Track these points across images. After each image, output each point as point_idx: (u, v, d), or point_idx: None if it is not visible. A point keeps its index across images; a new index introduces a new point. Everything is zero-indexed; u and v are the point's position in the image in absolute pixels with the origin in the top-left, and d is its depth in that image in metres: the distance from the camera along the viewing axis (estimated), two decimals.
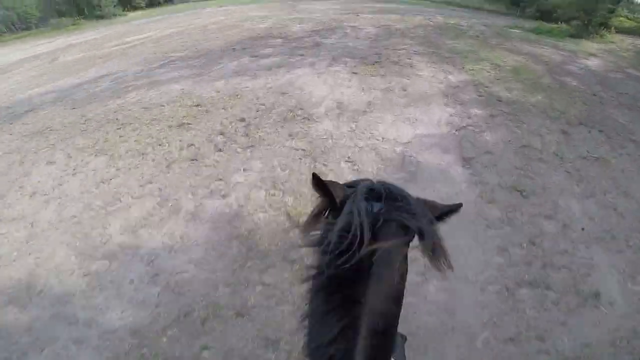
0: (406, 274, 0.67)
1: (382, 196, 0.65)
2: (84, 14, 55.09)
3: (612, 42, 14.27)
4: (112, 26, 34.20)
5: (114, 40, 17.34)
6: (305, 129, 5.40)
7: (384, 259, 0.57)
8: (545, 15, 23.65)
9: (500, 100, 6.65)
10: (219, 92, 6.85)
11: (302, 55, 9.14)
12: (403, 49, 9.81)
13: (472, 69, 8.30)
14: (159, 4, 61.55)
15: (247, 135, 5.36)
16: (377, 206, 0.63)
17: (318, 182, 0.68)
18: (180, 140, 5.35)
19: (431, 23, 15.27)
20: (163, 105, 6.71)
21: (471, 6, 29.33)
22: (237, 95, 6.54)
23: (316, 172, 0.75)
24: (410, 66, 8.10)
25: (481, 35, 12.69)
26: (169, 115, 6.22)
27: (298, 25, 14.30)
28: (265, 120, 5.71)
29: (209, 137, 5.41)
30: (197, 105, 6.45)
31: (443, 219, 0.71)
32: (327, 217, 0.72)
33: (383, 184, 0.71)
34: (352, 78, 7.10)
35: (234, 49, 10.74)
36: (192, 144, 5.20)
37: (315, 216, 0.73)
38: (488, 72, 8.27)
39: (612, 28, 15.70)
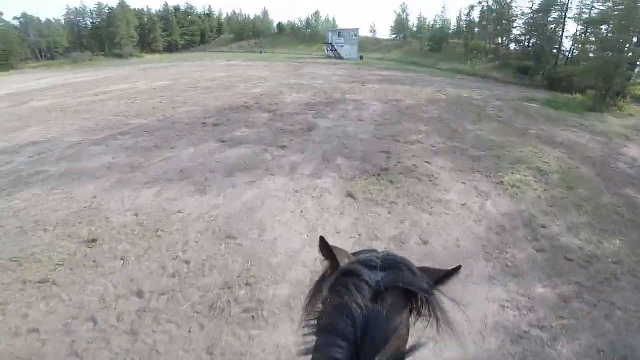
0: (407, 337, 0.66)
1: (385, 266, 0.68)
2: (105, 50, 57.17)
3: (631, 114, 13.05)
4: (118, 67, 33.79)
5: (98, 88, 15.63)
6: (251, 340, 2.76)
7: (386, 321, 0.60)
8: (555, 83, 21.42)
9: (570, 259, 4.05)
10: (136, 215, 4.33)
11: (284, 147, 6.80)
12: (418, 141, 7.53)
13: (513, 184, 5.85)
14: (176, 50, 64.22)
15: (133, 334, 2.74)
16: (379, 275, 0.65)
17: (325, 245, 0.72)
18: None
19: (443, 97, 13.43)
20: (47, 229, 4.19)
21: (478, 74, 28.57)
22: (157, 232, 3.97)
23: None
24: (431, 180, 5.65)
25: (502, 115, 10.60)
26: (41, 262, 3.65)
27: (295, 95, 12.41)
28: (171, 312, 3.07)
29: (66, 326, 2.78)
30: (91, 242, 3.92)
31: (444, 282, 0.70)
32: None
33: (387, 254, 0.73)
34: (346, 207, 4.57)
35: (204, 122, 8.55)
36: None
37: (320, 281, 0.76)
38: (534, 188, 5.80)
39: (628, 96, 14.54)
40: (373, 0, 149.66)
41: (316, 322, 0.71)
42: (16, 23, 51.01)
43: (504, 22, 31.83)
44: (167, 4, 60.30)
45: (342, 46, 35.06)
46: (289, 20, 65.59)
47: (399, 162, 6.30)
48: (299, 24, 58.85)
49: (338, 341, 0.58)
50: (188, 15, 62.75)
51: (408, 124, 9.03)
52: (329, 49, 35.77)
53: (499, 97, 14.48)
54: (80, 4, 57.44)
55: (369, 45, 47.71)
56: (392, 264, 0.68)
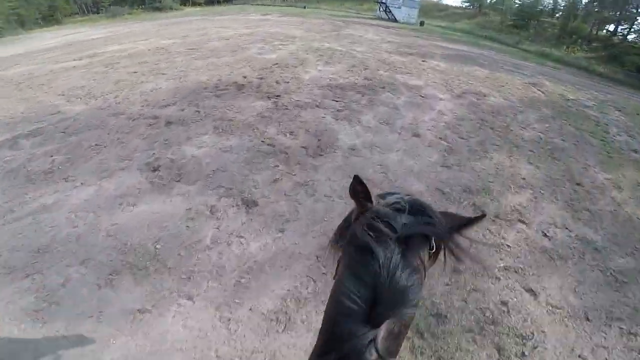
0: (423, 282, 0.67)
1: (411, 210, 0.68)
2: (144, 4, 54.47)
3: None
4: (147, 22, 30.46)
5: (97, 48, 12.60)
6: None
7: (404, 263, 0.61)
8: None
9: None
10: None
11: (247, 206, 3.22)
12: (518, 213, 3.56)
13: None
14: (218, 2, 59.65)
15: None
16: (405, 218, 0.66)
17: (359, 182, 0.71)
18: None
19: (542, 96, 8.75)
20: None
21: (575, 64, 21.99)
22: None
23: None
24: None
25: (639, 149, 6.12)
26: None
27: (321, 67, 8.42)
28: None
29: None
30: None
31: (466, 228, 0.70)
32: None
33: (412, 198, 0.73)
34: None
35: (156, 116, 5.07)
36: None
37: (349, 218, 0.79)
38: None
39: None
40: None
41: (342, 253, 0.72)
42: None
43: (629, 6, 23.81)
44: None
45: (399, 8, 28.89)
46: None
47: (480, 302, 2.49)
48: None
49: (361, 279, 0.60)
50: None
51: (499, 155, 4.94)
52: (381, 9, 29.81)
53: (617, 105, 9.47)
54: None
55: (431, 10, 40.28)
56: (417, 209, 0.69)
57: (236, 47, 10.69)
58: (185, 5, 53.28)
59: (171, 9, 50.34)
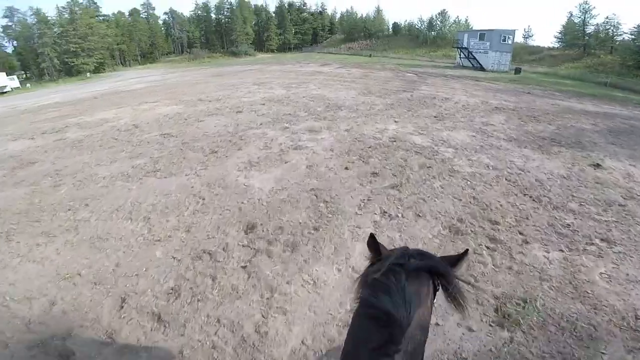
0: (431, 310, 0.85)
1: (414, 254, 0.87)
2: (225, 48, 58.38)
3: None
4: (212, 67, 30.39)
5: (95, 112, 9.78)
6: None
7: (417, 293, 0.77)
8: None
9: None
10: None
11: None
12: None
13: None
14: (289, 49, 61.14)
15: None
16: (410, 259, 0.84)
17: (373, 240, 0.95)
18: None
19: None
20: None
21: None
22: None
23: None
24: None
25: None
26: None
27: (396, 233, 3.38)
28: None
29: None
30: None
31: (457, 265, 0.92)
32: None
33: (415, 249, 0.91)
34: None
35: None
36: None
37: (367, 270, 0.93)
38: None
39: None
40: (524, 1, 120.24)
41: (361, 294, 0.88)
42: (165, 18, 54.77)
43: None
44: (281, 0, 56.90)
45: (486, 53, 23.22)
46: (406, 20, 54.34)
47: None
48: (419, 25, 47.34)
49: (377, 306, 0.75)
50: (301, 13, 58.35)
51: None
52: (462, 56, 24.47)
53: None
54: None
55: (519, 54, 33.49)
56: (421, 253, 0.88)
57: (235, 137, 6.31)
58: (260, 51, 55.82)
59: (246, 54, 52.45)
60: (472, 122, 7.35)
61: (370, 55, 36.49)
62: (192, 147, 5.88)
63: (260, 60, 39.05)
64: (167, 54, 54.32)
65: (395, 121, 7.12)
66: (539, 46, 38.41)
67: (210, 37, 55.25)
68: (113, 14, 48.90)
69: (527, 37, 41.41)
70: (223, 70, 24.28)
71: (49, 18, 37.35)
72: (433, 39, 41.76)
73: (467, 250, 0.93)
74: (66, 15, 38.04)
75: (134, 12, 49.88)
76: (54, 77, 36.09)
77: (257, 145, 5.78)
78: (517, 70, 22.11)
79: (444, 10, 43.21)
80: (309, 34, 57.89)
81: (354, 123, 6.97)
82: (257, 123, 7.14)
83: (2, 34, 39.80)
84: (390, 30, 52.06)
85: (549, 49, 37.05)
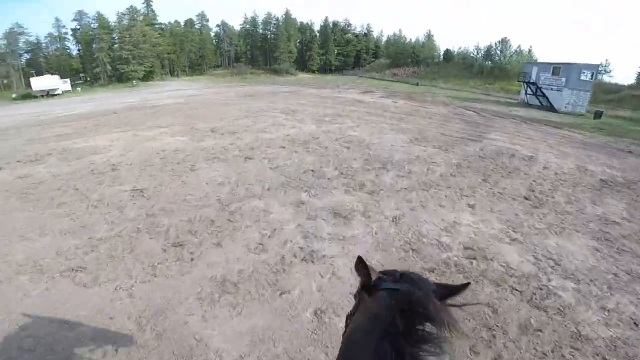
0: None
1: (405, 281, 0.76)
2: (268, 64, 58.93)
3: None
4: (250, 85, 29.63)
5: (75, 140, 8.50)
6: None
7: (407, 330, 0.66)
8: None
9: None
10: None
11: None
12: None
13: None
14: (330, 71, 60.41)
15: None
16: (402, 286, 0.73)
17: (362, 263, 0.80)
18: None
19: None
20: None
21: None
22: None
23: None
24: None
25: None
26: None
27: None
28: None
29: None
30: None
31: (452, 296, 0.77)
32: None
33: (409, 272, 0.80)
34: None
35: None
36: None
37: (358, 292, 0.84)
38: None
39: None
40: (601, 35, 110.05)
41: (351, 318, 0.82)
42: (217, 30, 56.49)
43: None
44: (327, 19, 56.43)
45: (560, 90, 19.76)
46: (460, 47, 50.93)
47: None
48: (474, 53, 44.01)
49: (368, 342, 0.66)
50: (345, 33, 57.40)
51: None
52: (529, 92, 21.18)
53: None
54: (254, 13, 57.21)
55: (595, 92, 29.20)
56: (411, 280, 0.76)
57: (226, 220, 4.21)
58: (301, 71, 55.92)
59: (287, 72, 51.78)
60: (583, 214, 4.68)
61: (417, 84, 33.99)
62: (156, 226, 3.88)
63: (299, 81, 38.23)
64: (214, 67, 55.62)
65: (470, 206, 4.63)
66: (618, 84, 33.55)
67: (254, 53, 56.00)
68: (169, 22, 50.85)
69: (603, 73, 36.53)
70: (258, 90, 23.17)
71: (110, 23, 39.18)
72: (490, 70, 38.39)
73: (468, 283, 0.78)
74: (125, 22, 39.60)
75: (188, 23, 51.81)
76: (105, 82, 37.73)
77: (248, 239, 3.63)
78: (598, 114, 18.39)
79: (506, 38, 39.79)
80: (352, 56, 56.66)
81: (406, 204, 4.58)
82: (263, 186, 5.02)
83: (71, 37, 42.72)
84: (441, 57, 49.25)
85: (630, 87, 32.15)
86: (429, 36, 51.54)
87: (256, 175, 5.46)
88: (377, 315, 0.69)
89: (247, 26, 55.21)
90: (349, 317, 0.86)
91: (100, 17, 38.90)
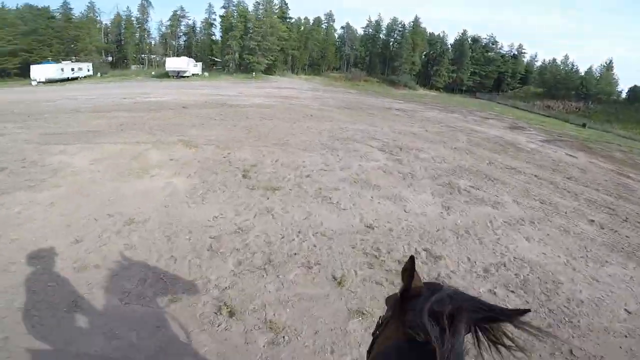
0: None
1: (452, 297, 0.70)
2: (384, 73, 53.98)
3: None
4: (364, 95, 25.76)
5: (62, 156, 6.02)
6: None
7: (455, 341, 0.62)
8: None
9: None
10: None
11: None
12: None
13: None
14: (459, 91, 50.47)
15: None
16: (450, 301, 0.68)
17: (412, 266, 0.74)
18: None
19: None
20: None
21: None
22: None
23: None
24: None
25: None
26: None
27: None
28: None
29: None
30: None
31: (503, 321, 0.67)
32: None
33: (453, 289, 0.76)
34: None
35: None
36: None
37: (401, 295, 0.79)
38: None
39: None
40: None
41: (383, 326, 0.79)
42: (341, 32, 55.06)
43: None
44: (465, 33, 48.08)
45: None
46: None
47: None
48: None
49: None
50: (487, 51, 47.96)
51: None
52: None
53: None
54: (379, 16, 51.65)
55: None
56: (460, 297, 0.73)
57: None
58: (423, 86, 48.22)
59: (406, 85, 45.71)
60: None
61: (584, 125, 24.49)
62: None
63: (418, 97, 32.69)
64: (332, 69, 54.06)
65: None
66: None
67: (373, 60, 52.11)
68: (298, 18, 51.39)
69: None
70: (363, 102, 19.30)
71: (249, 12, 40.82)
72: None
73: (528, 310, 0.69)
74: (260, 12, 40.62)
75: (316, 21, 51.54)
76: (232, 70, 39.68)
77: None
78: None
79: None
80: (492, 78, 47.11)
81: None
82: None
83: (218, 24, 46.10)
84: (624, 95, 36.17)
85: None
86: (609, 67, 38.65)
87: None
88: None
89: (370, 30, 51.56)
90: (378, 327, 0.83)
91: (239, 5, 40.84)
